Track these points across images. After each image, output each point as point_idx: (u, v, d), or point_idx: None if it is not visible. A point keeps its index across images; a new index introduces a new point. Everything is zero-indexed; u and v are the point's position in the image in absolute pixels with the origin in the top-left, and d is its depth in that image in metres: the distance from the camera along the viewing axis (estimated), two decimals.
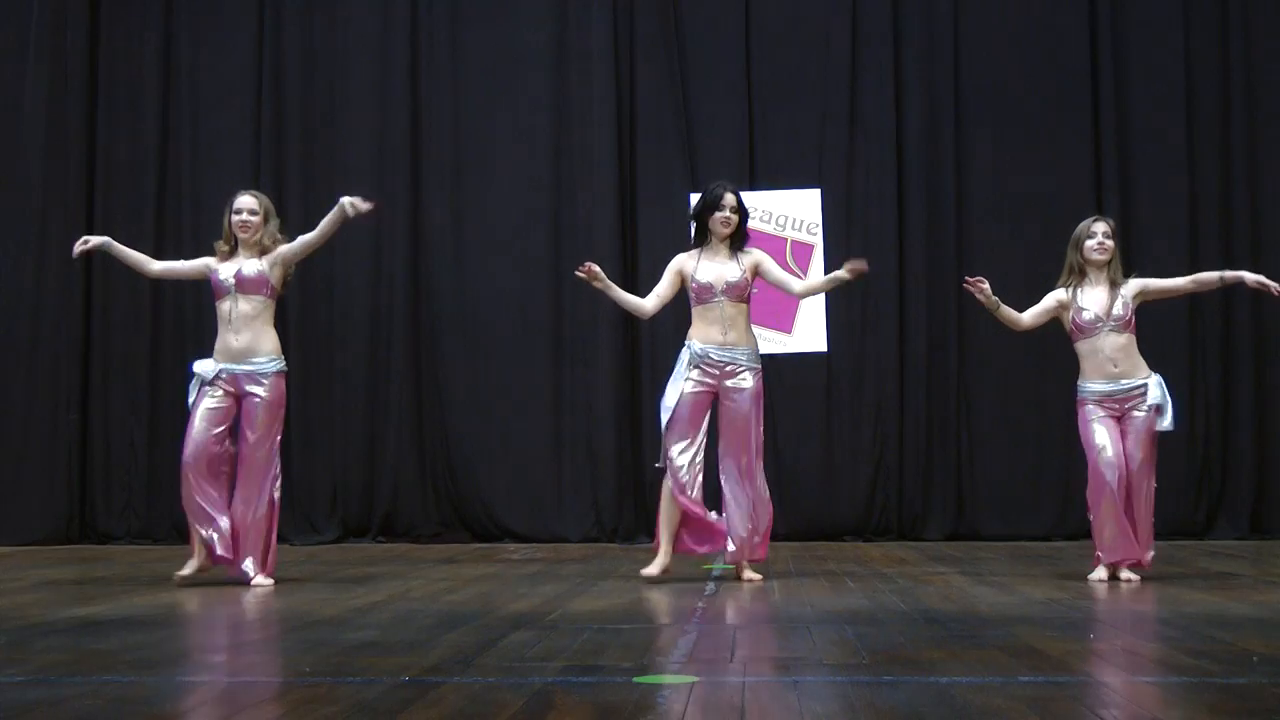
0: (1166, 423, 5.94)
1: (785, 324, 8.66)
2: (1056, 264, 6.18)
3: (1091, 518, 5.93)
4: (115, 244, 6.27)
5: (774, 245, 8.67)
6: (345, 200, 5.98)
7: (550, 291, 8.97)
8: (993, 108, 8.92)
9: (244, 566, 5.97)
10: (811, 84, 9.01)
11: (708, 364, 5.95)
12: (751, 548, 5.94)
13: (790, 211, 8.73)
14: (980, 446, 8.80)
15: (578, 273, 6.11)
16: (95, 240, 6.21)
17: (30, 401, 8.98)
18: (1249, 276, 6.03)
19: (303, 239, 6.19)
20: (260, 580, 5.93)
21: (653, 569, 5.93)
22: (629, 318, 7.85)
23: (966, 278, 6.18)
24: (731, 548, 5.92)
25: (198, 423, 6.02)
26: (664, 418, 6.00)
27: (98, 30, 9.33)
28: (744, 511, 5.91)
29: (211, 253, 6.25)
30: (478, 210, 9.11)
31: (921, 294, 8.79)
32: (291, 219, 9.22)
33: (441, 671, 3.47)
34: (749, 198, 8.66)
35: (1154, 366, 8.36)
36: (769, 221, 8.72)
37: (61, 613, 4.91)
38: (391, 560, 7.40)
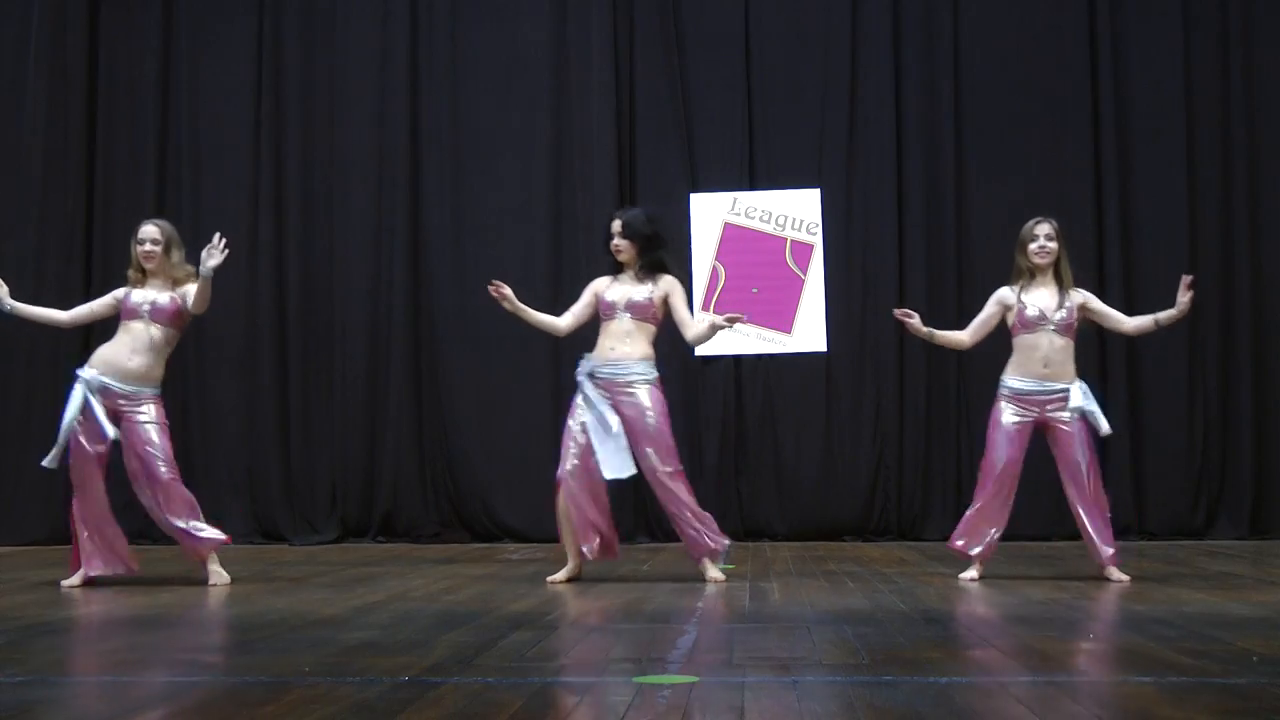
0: (1104, 428, 5.93)
1: (785, 324, 8.67)
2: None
3: (969, 511, 6.05)
4: (18, 304, 6.21)
5: (774, 245, 8.69)
6: (205, 255, 5.80)
7: (550, 291, 8.95)
8: (992, 107, 8.92)
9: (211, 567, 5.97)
10: (811, 84, 9.00)
11: (595, 380, 5.93)
12: (700, 547, 5.93)
13: (790, 211, 8.74)
14: (980, 446, 8.77)
15: (490, 289, 6.12)
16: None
17: (30, 401, 8.97)
18: (1177, 309, 5.85)
19: (191, 293, 5.99)
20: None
21: (560, 574, 5.97)
22: None
23: (895, 310, 6.32)
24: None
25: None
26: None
27: (98, 30, 9.34)
28: (685, 517, 5.90)
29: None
30: (477, 210, 9.10)
31: (921, 294, 8.76)
32: (292, 219, 9.27)
33: (441, 671, 3.47)
34: (749, 198, 8.77)
35: (1154, 367, 8.41)
36: (769, 221, 8.72)
37: (61, 613, 4.91)
38: (391, 560, 7.40)
